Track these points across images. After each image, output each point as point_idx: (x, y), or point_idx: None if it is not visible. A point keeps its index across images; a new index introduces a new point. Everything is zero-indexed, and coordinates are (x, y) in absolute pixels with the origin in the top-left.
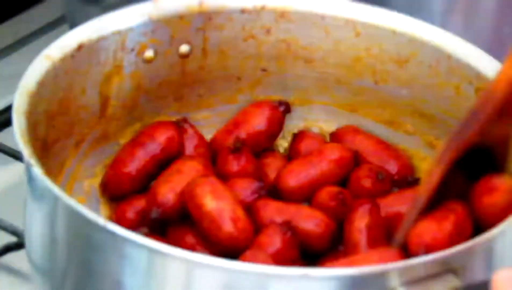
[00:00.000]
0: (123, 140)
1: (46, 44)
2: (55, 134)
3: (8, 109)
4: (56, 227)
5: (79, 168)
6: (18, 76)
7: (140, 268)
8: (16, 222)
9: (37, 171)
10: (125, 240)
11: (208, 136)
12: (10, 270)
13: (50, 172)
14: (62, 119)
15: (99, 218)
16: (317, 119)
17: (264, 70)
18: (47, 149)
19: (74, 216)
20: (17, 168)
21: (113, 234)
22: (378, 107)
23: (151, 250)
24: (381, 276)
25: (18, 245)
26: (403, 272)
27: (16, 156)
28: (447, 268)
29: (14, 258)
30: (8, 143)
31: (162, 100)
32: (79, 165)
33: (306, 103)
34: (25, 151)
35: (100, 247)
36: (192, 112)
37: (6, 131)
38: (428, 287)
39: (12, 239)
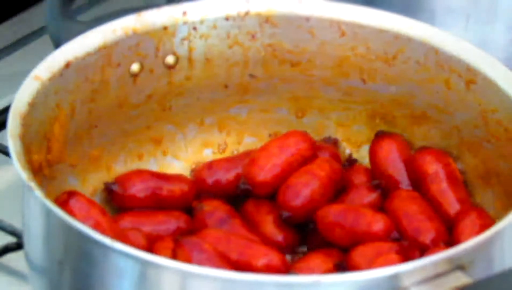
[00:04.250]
0: (115, 157)
1: (46, 44)
2: (50, 154)
3: (7, 110)
4: (52, 242)
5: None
6: (16, 76)
7: (134, 281)
8: (15, 222)
9: (38, 194)
10: (120, 253)
11: (197, 146)
12: (10, 271)
13: (49, 189)
14: (55, 138)
15: (96, 233)
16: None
17: (251, 76)
18: (45, 169)
19: (71, 232)
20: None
21: (108, 248)
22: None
23: (144, 262)
24: (393, 278)
25: (18, 246)
26: (414, 272)
27: None
28: (455, 265)
29: (13, 259)
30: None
31: (150, 113)
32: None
33: (297, 107)
34: (23, 175)
35: (95, 260)
36: (181, 123)
37: (5, 132)
38: (438, 285)
39: (12, 239)
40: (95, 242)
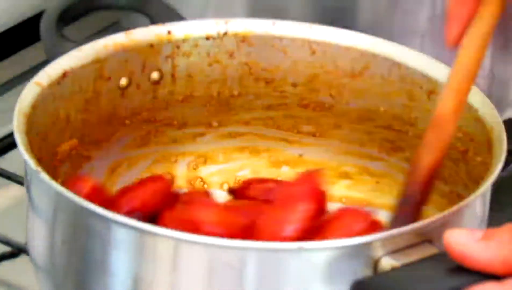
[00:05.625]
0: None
1: None
2: (46, 156)
3: (5, 138)
4: (56, 225)
5: None
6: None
7: (132, 250)
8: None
9: (44, 176)
10: (120, 225)
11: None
12: (4, 283)
13: None
14: (52, 143)
15: (97, 207)
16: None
17: (230, 92)
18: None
19: (75, 209)
20: (13, 190)
21: (109, 220)
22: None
23: (143, 232)
24: (367, 247)
25: (12, 254)
26: (386, 242)
27: (14, 179)
28: (424, 238)
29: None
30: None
31: (135, 125)
32: None
33: (271, 124)
34: (31, 161)
35: (98, 235)
36: (165, 135)
37: (5, 157)
38: (409, 254)
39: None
40: (99, 216)
